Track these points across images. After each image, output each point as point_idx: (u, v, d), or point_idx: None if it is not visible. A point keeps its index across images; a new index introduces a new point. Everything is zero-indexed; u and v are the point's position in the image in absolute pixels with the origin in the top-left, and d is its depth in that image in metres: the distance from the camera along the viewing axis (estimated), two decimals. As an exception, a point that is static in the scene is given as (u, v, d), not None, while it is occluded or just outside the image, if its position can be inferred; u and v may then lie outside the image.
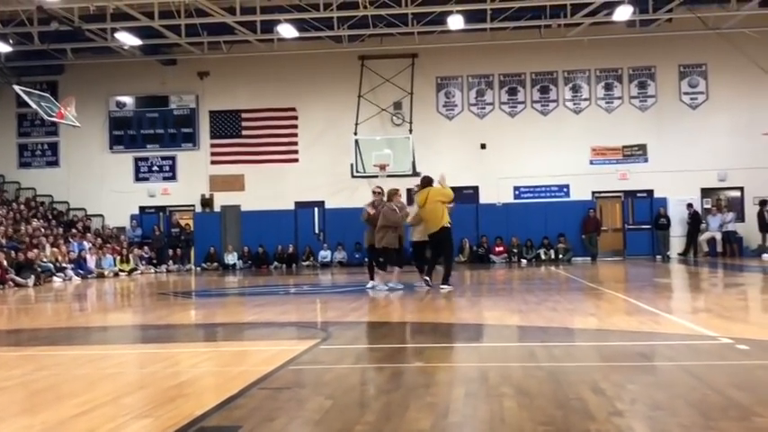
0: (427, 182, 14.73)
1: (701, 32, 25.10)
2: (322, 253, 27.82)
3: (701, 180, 27.14)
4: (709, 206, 27.25)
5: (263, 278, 21.85)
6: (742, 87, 26.93)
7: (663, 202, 27.16)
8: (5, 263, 19.51)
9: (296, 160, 28.58)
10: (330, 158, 27.62)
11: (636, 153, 27.56)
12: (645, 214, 27.47)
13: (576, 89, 28.01)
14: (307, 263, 27.70)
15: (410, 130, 26.99)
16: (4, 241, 22.11)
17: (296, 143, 28.63)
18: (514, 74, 28.14)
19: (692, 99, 27.50)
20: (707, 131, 26.95)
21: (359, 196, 27.77)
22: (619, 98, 27.84)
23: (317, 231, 28.36)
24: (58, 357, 7.28)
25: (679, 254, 26.56)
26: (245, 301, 14.00)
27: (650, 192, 27.53)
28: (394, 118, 27.99)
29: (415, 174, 25.12)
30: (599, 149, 27.69)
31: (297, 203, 28.43)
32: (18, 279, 19.53)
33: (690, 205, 26.72)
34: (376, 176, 26.23)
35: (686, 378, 5.33)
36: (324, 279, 20.86)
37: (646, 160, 27.46)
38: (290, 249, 27.82)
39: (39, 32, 24.73)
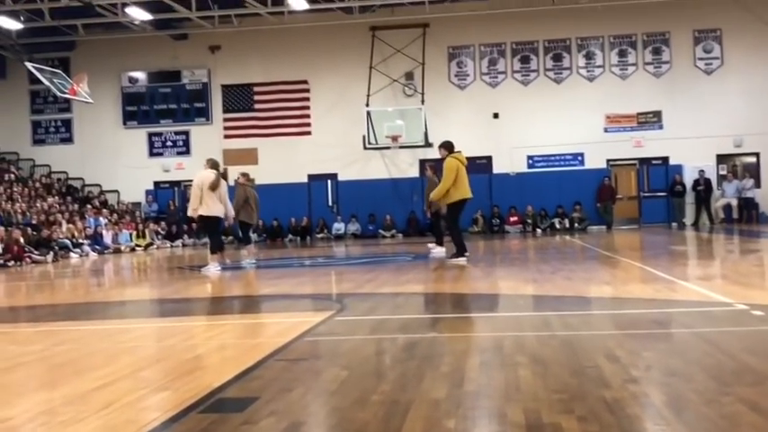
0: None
1: (716, -3, 24.81)
2: (336, 225, 27.88)
3: (717, 146, 26.94)
4: (724, 172, 27.08)
5: (277, 251, 21.93)
6: (757, 52, 26.66)
7: (678, 168, 27.00)
8: (22, 240, 19.68)
9: (308, 133, 28.56)
10: (342, 130, 27.58)
11: (650, 120, 27.36)
12: (660, 181, 27.33)
13: (589, 56, 27.78)
14: (321, 235, 27.78)
15: (422, 101, 26.88)
16: (20, 218, 22.27)
17: (308, 116, 28.60)
18: (527, 42, 27.92)
19: (706, 65, 27.23)
20: (722, 97, 26.70)
21: (372, 168, 27.91)
22: (633, 65, 27.60)
23: (330, 204, 28.40)
24: (76, 332, 7.36)
25: (691, 224, 26.41)
26: (261, 273, 14.07)
27: (665, 159, 27.37)
28: (406, 89, 27.87)
29: (428, 144, 25.10)
30: (613, 117, 27.51)
31: (310, 176, 28.45)
32: (36, 255, 19.70)
33: (701, 172, 26.56)
34: (388, 148, 26.25)
35: (701, 344, 5.33)
36: (338, 251, 20.92)
37: (660, 127, 27.28)
38: (304, 222, 27.91)
39: (49, 9, 24.70)
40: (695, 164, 26.75)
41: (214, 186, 14.01)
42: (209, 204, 14.02)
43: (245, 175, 16.00)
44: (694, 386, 4.09)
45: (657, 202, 27.37)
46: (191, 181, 14.81)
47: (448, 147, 14.09)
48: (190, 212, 14.57)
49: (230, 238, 22.50)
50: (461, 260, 13.44)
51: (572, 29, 27.55)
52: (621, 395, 3.93)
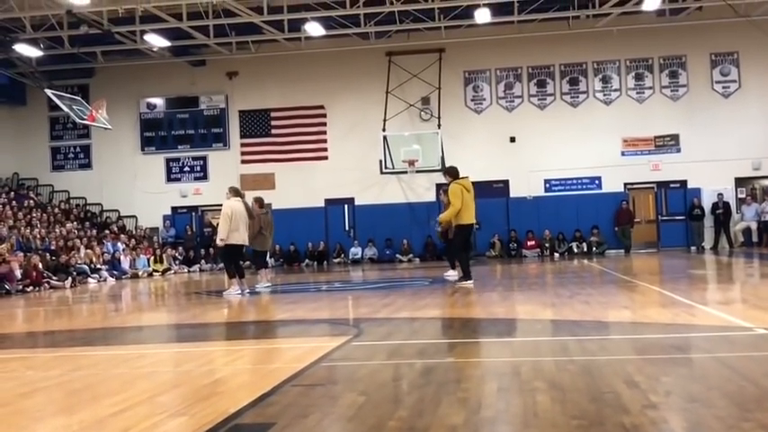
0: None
1: (732, 20, 24.72)
2: (353, 250, 27.89)
3: (735, 169, 26.80)
4: (743, 196, 26.92)
5: (294, 275, 21.94)
6: (775, 75, 26.58)
7: (697, 192, 26.86)
8: (41, 265, 19.80)
9: (325, 158, 28.66)
10: (359, 155, 27.66)
11: (668, 143, 27.28)
12: (678, 205, 27.19)
13: (606, 80, 27.78)
14: (338, 260, 27.78)
15: (438, 125, 26.94)
16: (39, 244, 22.42)
17: (325, 140, 28.70)
18: (543, 66, 27.97)
19: (724, 88, 27.16)
20: (740, 120, 26.60)
21: (388, 192, 27.94)
22: (650, 88, 27.56)
23: (347, 228, 28.43)
24: (94, 357, 7.38)
25: (710, 248, 26.21)
26: (278, 298, 14.07)
27: (683, 182, 27.24)
28: (422, 113, 27.96)
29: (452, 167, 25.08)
30: (630, 140, 27.44)
31: (327, 201, 28.52)
32: (54, 281, 19.81)
33: (720, 195, 26.41)
34: (405, 172, 26.26)
35: (721, 369, 5.28)
36: (355, 275, 20.90)
37: (678, 150, 27.17)
38: (321, 247, 27.93)
39: (69, 36, 25.02)
40: (714, 187, 26.60)
41: (252, 215, 14.47)
42: (240, 232, 14.19)
43: (258, 200, 16.02)
44: (715, 412, 4.04)
45: (676, 225, 27.21)
46: (209, 206, 14.91)
47: (453, 173, 14.39)
48: (219, 242, 14.58)
49: (248, 263, 22.52)
50: (468, 283, 13.59)
51: (588, 53, 27.59)
52: (641, 421, 3.89)
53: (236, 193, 14.63)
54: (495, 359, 6.26)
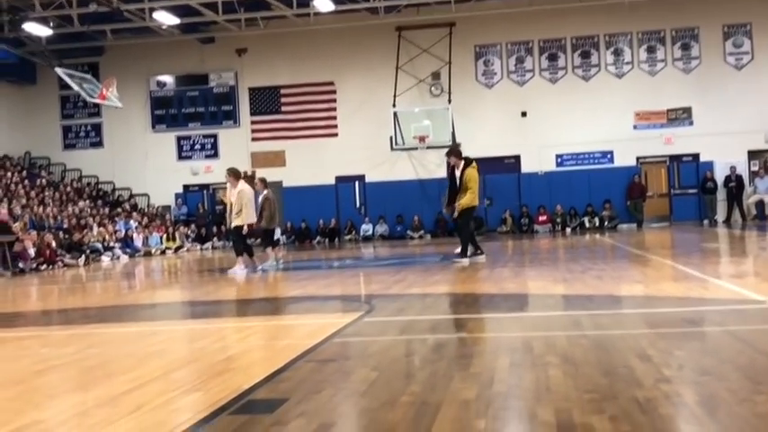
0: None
1: (745, -9, 24.50)
2: (364, 227, 27.91)
3: (748, 142, 26.63)
4: (756, 168, 26.75)
5: (306, 253, 21.99)
6: (788, 46, 26.32)
7: (709, 165, 26.72)
8: (54, 244, 19.91)
9: (335, 135, 28.61)
10: (369, 132, 27.59)
11: (680, 116, 27.10)
12: (691, 178, 27.07)
13: (617, 53, 27.56)
14: (349, 237, 27.82)
15: (449, 101, 26.82)
16: (52, 222, 22.53)
17: (335, 117, 28.64)
18: (554, 39, 27.77)
19: (736, 59, 26.92)
20: (753, 92, 26.39)
21: (399, 169, 27.89)
22: (662, 61, 27.35)
23: (357, 205, 28.44)
24: (108, 335, 7.43)
25: (723, 222, 26.09)
26: (290, 275, 14.11)
27: (696, 155, 27.09)
28: (432, 89, 27.83)
29: (456, 144, 25.00)
30: (643, 114, 27.27)
31: (337, 178, 28.50)
32: (68, 259, 19.92)
33: (733, 168, 26.26)
34: (416, 148, 26.20)
35: (734, 343, 5.27)
36: (366, 252, 20.93)
37: (691, 123, 27.00)
38: (332, 224, 27.97)
39: (78, 14, 24.98)
40: (726, 160, 26.45)
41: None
42: (249, 213, 14.34)
43: (262, 180, 16.01)
44: (727, 385, 4.04)
45: (688, 199, 27.11)
46: (220, 184, 14.96)
47: (459, 154, 14.25)
48: (248, 227, 14.57)
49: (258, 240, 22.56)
50: (469, 260, 13.51)
51: (600, 25, 27.36)
52: (654, 394, 3.89)
53: (240, 174, 14.68)
54: (507, 334, 6.27)
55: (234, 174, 14.62)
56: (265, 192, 15.63)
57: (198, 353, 6.10)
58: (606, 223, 26.49)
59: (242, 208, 14.24)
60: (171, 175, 29.30)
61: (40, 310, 10.73)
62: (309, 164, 28.26)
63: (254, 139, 29.03)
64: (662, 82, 27.21)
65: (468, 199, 13.69)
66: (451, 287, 10.47)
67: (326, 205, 28.10)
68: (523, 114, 27.65)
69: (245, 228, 14.35)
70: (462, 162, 13.94)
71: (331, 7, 24.83)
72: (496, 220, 27.15)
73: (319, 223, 27.97)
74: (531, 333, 6.08)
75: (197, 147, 29.65)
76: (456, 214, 13.85)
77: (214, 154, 29.46)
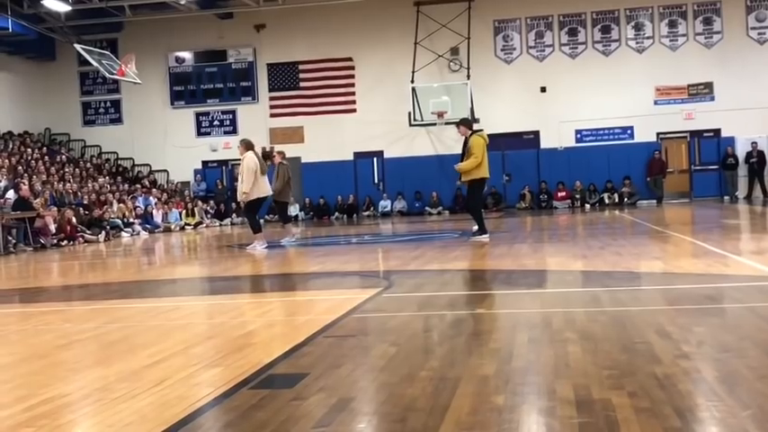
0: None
1: (770, -37, 24.14)
2: (382, 203, 27.92)
3: (770, 118, 26.35)
4: (779, 144, 26.49)
5: (324, 229, 22.05)
6: (813, 20, 25.94)
7: (730, 141, 26.48)
8: (75, 220, 20.06)
9: (354, 110, 28.55)
10: (388, 107, 27.51)
11: (701, 92, 26.82)
12: (712, 154, 26.84)
13: (638, 27, 27.28)
14: (367, 213, 27.85)
15: (468, 76, 26.65)
16: (72, 198, 22.69)
17: (353, 93, 28.57)
18: (574, 14, 27.51)
19: (759, 34, 26.58)
20: (775, 67, 26.07)
21: (417, 145, 27.83)
22: (683, 35, 27.04)
23: (376, 181, 28.43)
24: (129, 310, 7.50)
25: (744, 198, 25.89)
26: (309, 251, 14.16)
27: (717, 131, 26.84)
28: (451, 64, 27.68)
29: (475, 120, 24.90)
30: (663, 89, 27.01)
31: (356, 154, 28.48)
32: (88, 235, 20.08)
33: (754, 144, 26.00)
34: (434, 124, 26.10)
35: (754, 319, 5.25)
36: (384, 228, 20.95)
37: (712, 99, 26.73)
38: (351, 200, 28.00)
39: (97, -10, 24.99)
40: (748, 136, 26.20)
41: (264, 170, 14.38)
42: (261, 185, 14.26)
43: (281, 153, 16.10)
44: (747, 361, 4.03)
45: (709, 175, 26.90)
46: (239, 160, 14.88)
47: (468, 124, 14.25)
48: (243, 196, 14.44)
49: (276, 216, 22.62)
50: (484, 237, 13.27)
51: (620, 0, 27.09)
52: (673, 371, 3.89)
53: (250, 146, 14.57)
54: (526, 310, 6.27)
55: (245, 144, 14.57)
56: (280, 162, 15.66)
57: (218, 328, 6.16)
58: (626, 199, 26.36)
59: (241, 177, 14.21)
60: (190, 152, 29.39)
61: (61, 285, 10.84)
62: (328, 140, 28.25)
63: (272, 116, 29.03)
64: (683, 57, 26.92)
65: (471, 164, 13.20)
66: (470, 263, 10.47)
67: (345, 181, 28.11)
68: (543, 90, 27.46)
69: (240, 195, 14.32)
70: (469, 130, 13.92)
71: (349, -18, 24.70)
72: (515, 197, 27.07)
73: (338, 199, 28.01)
74: (549, 309, 6.08)
75: (216, 123, 29.71)
76: (459, 182, 13.74)
77: (233, 130, 29.49)
